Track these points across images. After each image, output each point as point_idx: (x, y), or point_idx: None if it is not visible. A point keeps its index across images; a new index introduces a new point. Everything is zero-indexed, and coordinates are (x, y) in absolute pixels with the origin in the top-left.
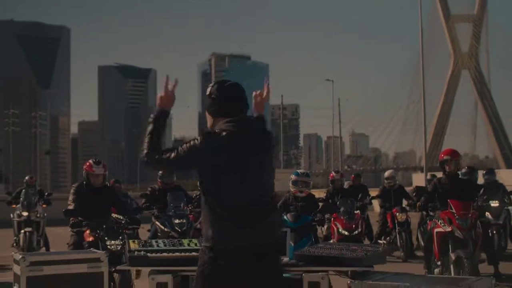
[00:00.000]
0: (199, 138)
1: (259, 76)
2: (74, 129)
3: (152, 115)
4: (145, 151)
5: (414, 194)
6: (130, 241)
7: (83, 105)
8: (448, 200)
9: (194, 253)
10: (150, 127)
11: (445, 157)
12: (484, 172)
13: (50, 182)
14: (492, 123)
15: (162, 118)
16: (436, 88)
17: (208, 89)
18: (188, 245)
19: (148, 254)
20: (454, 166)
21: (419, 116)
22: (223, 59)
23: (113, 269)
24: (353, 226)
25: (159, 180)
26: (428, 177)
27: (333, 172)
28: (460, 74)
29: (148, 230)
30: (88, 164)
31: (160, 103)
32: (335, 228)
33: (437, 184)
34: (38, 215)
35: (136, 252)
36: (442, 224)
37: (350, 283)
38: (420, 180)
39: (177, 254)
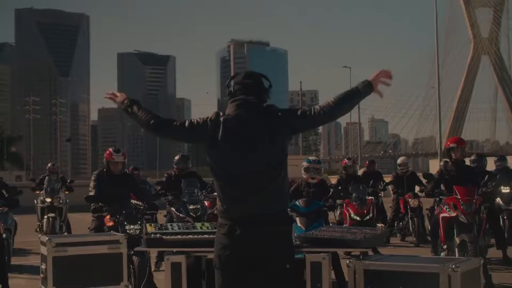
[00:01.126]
0: (209, 116)
1: (278, 62)
2: (94, 116)
3: (125, 105)
4: (151, 122)
5: (426, 181)
6: (147, 224)
7: (103, 92)
8: (454, 186)
9: (206, 236)
10: (134, 109)
11: (451, 145)
12: (496, 158)
13: (71, 168)
14: None
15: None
16: (456, 74)
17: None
18: (201, 228)
19: (164, 237)
20: (460, 153)
21: (437, 102)
22: (241, 45)
23: (132, 252)
24: (365, 211)
25: (174, 166)
26: (442, 163)
27: (345, 159)
28: (480, 59)
29: (165, 216)
30: (108, 152)
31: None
32: (347, 214)
33: (444, 170)
34: (61, 201)
35: (152, 235)
36: (448, 209)
37: (349, 262)
38: (436, 166)
39: (190, 236)
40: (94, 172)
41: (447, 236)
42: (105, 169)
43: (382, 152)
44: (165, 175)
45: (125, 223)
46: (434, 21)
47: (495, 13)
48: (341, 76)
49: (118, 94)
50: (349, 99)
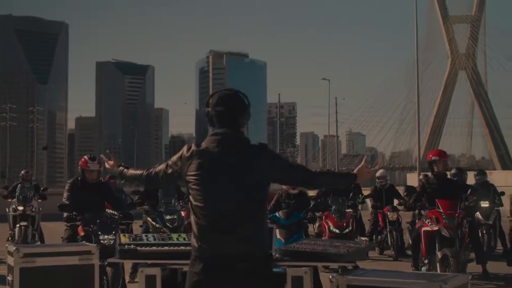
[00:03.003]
0: (185, 149)
1: (257, 74)
2: (71, 124)
3: (120, 172)
4: (143, 176)
5: (405, 193)
6: (121, 235)
7: (81, 101)
8: (436, 200)
9: (182, 247)
10: (128, 174)
11: (433, 158)
12: (475, 172)
13: (47, 177)
14: (488, 124)
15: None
16: (433, 89)
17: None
18: (177, 239)
19: (138, 248)
20: (442, 166)
21: (415, 116)
22: (220, 56)
23: (106, 263)
24: (344, 224)
25: None
26: (421, 177)
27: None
28: (457, 74)
29: (141, 226)
30: (83, 160)
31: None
32: (326, 226)
33: (425, 183)
34: (34, 210)
35: (126, 246)
36: (430, 223)
37: (332, 277)
38: (414, 179)
39: (166, 248)
40: (68, 181)
41: (428, 250)
42: (80, 178)
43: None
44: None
45: (99, 232)
46: (413, 36)
47: (472, 29)
48: (320, 88)
49: (112, 162)
50: (335, 180)
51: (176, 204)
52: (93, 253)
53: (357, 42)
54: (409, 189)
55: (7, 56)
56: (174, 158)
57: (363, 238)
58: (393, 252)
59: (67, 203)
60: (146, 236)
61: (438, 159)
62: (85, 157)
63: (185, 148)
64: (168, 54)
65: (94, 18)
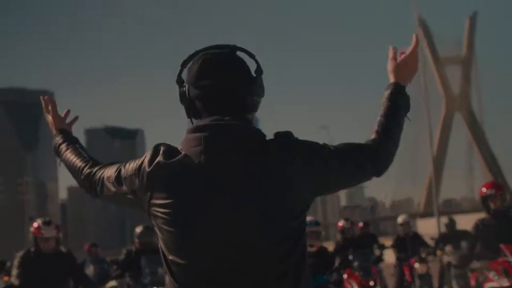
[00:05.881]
0: (147, 157)
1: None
2: (63, 194)
3: (57, 140)
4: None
5: (435, 241)
6: None
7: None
8: (501, 245)
9: None
10: (64, 155)
11: (488, 192)
12: None
13: None
14: (488, 164)
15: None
16: (430, 133)
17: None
18: None
19: None
20: (500, 202)
21: (413, 162)
22: None
23: None
24: (371, 283)
25: (136, 240)
26: (446, 221)
27: (342, 221)
28: (453, 116)
29: None
30: (35, 225)
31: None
32: (350, 287)
33: (480, 226)
34: None
35: None
36: (496, 277)
37: None
38: (426, 226)
39: None
40: (18, 253)
41: None
42: (32, 248)
43: (358, 217)
44: (124, 251)
45: None
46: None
47: (464, 69)
48: (318, 137)
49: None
50: (396, 124)
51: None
52: None
53: (350, 89)
54: (443, 237)
55: None
56: (129, 168)
57: None
58: None
59: (16, 284)
60: None
61: (494, 193)
62: (38, 221)
63: (147, 156)
64: (158, 117)
65: (81, 84)
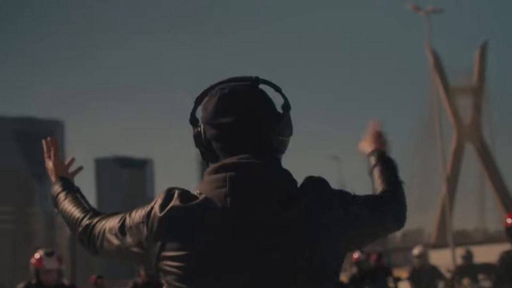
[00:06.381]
0: (158, 202)
1: None
2: None
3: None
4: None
5: (452, 274)
6: None
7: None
8: None
9: None
10: (62, 206)
11: None
12: None
13: None
14: (500, 194)
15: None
16: (441, 163)
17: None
18: None
19: None
20: None
21: (424, 192)
22: None
23: None
24: None
25: (142, 272)
26: (462, 252)
27: (358, 252)
28: (464, 146)
29: None
30: (37, 257)
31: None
32: None
33: (507, 259)
34: None
35: None
36: None
37: None
38: (439, 257)
39: None
40: (18, 286)
41: None
42: (33, 281)
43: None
44: (130, 284)
45: None
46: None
47: (475, 99)
48: (329, 168)
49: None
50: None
51: None
52: None
53: (360, 120)
54: (461, 270)
55: (2, 157)
56: (136, 216)
57: None
58: None
59: None
60: None
61: None
62: (40, 252)
63: (158, 200)
64: (168, 146)
65: (91, 114)
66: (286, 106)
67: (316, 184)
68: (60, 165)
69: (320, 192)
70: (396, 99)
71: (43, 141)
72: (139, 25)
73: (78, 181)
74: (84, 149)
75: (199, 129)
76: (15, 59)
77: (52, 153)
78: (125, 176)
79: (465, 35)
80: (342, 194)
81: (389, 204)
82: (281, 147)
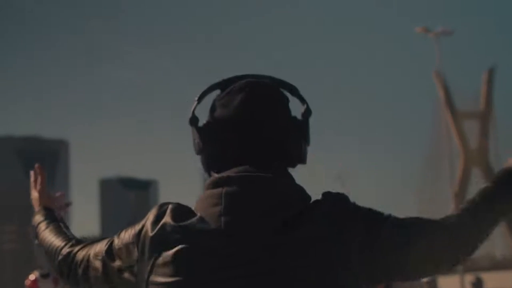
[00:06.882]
0: (150, 219)
1: None
2: None
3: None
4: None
5: None
6: None
7: (84, 220)
8: None
9: None
10: (42, 236)
11: None
12: None
13: None
14: (507, 221)
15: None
16: (447, 190)
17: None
18: None
19: None
20: None
21: (431, 217)
22: None
23: None
24: None
25: None
26: (472, 279)
27: None
28: (470, 171)
29: None
30: (32, 278)
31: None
32: None
33: None
34: None
35: None
36: None
37: None
38: (448, 284)
39: None
40: None
41: None
42: None
43: None
44: None
45: None
46: (427, 136)
47: (482, 123)
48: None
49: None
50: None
51: None
52: None
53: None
54: None
55: (6, 176)
56: (126, 236)
57: None
58: None
59: None
60: None
61: None
62: (35, 273)
63: (149, 217)
64: (172, 167)
65: (96, 134)
66: (307, 111)
67: (333, 200)
68: (45, 196)
69: (337, 209)
70: (399, 119)
71: (31, 172)
72: (145, 44)
73: (82, 202)
74: (88, 169)
75: (203, 129)
76: (20, 80)
77: (38, 182)
78: (130, 197)
79: (473, 58)
80: (370, 213)
81: (448, 235)
82: (299, 158)
